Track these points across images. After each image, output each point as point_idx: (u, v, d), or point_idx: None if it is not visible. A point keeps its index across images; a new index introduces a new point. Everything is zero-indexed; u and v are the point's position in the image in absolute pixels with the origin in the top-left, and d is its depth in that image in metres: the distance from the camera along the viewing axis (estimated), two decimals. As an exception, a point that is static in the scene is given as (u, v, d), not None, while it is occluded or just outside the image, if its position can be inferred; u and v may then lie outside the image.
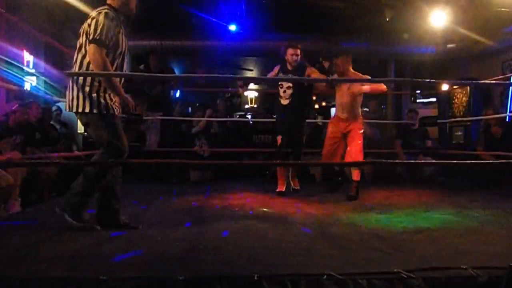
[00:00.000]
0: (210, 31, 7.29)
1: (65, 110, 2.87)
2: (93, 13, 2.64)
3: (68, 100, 2.69)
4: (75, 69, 2.69)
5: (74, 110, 2.66)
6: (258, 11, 6.94)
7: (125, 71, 2.90)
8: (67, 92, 2.74)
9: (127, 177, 5.76)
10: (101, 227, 2.66)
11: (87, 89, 2.61)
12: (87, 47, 2.58)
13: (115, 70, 2.71)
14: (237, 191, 4.58)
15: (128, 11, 2.79)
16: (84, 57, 2.63)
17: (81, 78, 2.63)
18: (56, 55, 5.87)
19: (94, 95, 2.62)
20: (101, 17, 2.57)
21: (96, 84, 2.63)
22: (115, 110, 2.70)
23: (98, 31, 2.54)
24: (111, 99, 2.68)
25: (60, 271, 1.79)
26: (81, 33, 2.66)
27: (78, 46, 2.67)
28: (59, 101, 5.20)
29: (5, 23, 4.67)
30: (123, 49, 2.76)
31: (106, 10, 2.62)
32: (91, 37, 2.55)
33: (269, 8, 6.73)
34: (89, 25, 2.58)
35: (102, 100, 2.63)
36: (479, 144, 5.52)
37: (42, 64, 5.44)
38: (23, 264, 1.91)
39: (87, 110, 2.61)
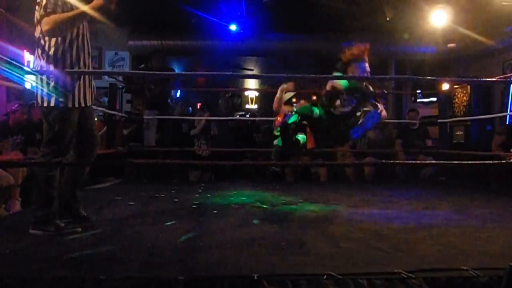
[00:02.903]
0: (210, 31, 7.31)
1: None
2: None
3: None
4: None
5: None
6: (258, 11, 6.94)
7: (89, 53, 2.75)
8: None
9: (127, 177, 5.82)
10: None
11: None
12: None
13: (76, 50, 2.62)
14: (237, 190, 4.58)
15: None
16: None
17: None
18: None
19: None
20: None
21: None
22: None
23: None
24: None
25: (60, 271, 1.79)
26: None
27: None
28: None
29: (5, 23, 4.68)
30: (82, 30, 2.67)
31: None
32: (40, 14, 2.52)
33: (269, 8, 6.74)
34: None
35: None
36: (496, 142, 5.32)
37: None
38: (23, 264, 1.91)
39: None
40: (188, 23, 7.33)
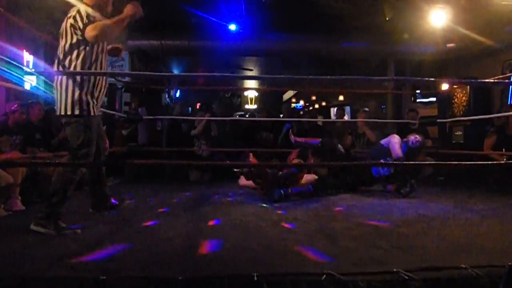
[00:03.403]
0: (210, 31, 7.30)
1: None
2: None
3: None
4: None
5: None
6: (258, 10, 6.93)
7: (105, 68, 2.89)
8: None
9: (126, 177, 5.82)
10: (96, 212, 2.97)
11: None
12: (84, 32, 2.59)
13: (100, 66, 2.75)
14: (237, 190, 4.58)
15: (102, 8, 2.82)
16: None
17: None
18: (56, 55, 5.87)
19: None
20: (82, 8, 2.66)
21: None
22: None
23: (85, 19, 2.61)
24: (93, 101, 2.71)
25: (60, 271, 1.79)
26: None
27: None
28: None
29: (5, 23, 4.68)
30: (103, 44, 2.80)
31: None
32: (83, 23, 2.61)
33: (269, 8, 6.73)
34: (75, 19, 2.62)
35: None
36: (488, 143, 5.29)
37: (42, 64, 5.43)
38: (23, 264, 1.91)
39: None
40: (188, 23, 7.32)
